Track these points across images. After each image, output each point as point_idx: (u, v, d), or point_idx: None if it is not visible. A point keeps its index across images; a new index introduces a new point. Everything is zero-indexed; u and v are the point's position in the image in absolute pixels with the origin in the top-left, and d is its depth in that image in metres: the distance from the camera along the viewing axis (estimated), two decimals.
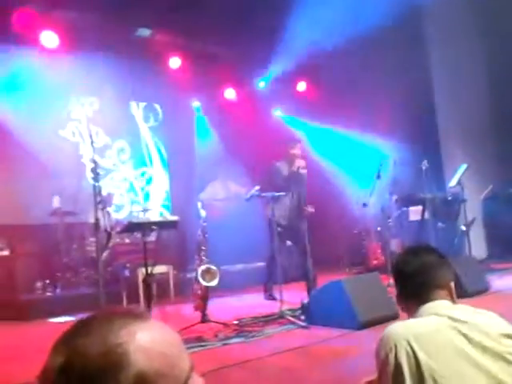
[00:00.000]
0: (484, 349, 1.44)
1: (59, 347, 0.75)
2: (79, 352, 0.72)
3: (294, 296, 5.31)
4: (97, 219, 4.18)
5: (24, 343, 4.82)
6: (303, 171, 5.97)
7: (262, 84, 9.75)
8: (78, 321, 0.79)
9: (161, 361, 0.74)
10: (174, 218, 4.63)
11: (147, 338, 0.75)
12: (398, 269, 1.76)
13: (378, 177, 7.63)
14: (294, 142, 6.21)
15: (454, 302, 1.66)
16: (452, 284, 1.69)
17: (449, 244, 7.46)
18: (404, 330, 1.49)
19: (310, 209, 5.95)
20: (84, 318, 0.79)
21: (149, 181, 9.10)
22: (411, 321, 1.60)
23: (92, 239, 6.46)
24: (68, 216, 7.03)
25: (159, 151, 9.23)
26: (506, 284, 6.12)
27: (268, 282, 6.21)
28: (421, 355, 1.41)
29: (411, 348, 1.42)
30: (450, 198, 7.72)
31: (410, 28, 8.26)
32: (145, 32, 7.78)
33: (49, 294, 6.57)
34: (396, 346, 1.44)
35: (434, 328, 1.49)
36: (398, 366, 1.41)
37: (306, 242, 5.72)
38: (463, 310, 1.58)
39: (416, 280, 1.66)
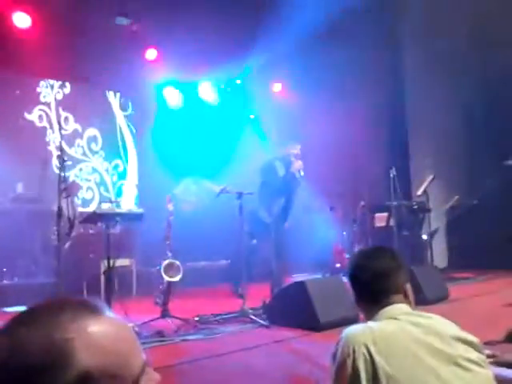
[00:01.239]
0: (437, 352, 1.45)
1: (2, 339, 0.69)
2: (20, 343, 0.67)
3: (257, 295, 5.31)
4: (59, 207, 4.08)
5: None
6: (300, 174, 5.92)
7: (238, 82, 9.73)
8: (27, 308, 0.74)
9: (111, 359, 0.70)
10: (140, 210, 4.55)
11: (98, 335, 0.70)
12: (354, 275, 1.74)
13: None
14: (293, 143, 6.17)
15: (410, 303, 1.66)
16: (408, 286, 1.69)
17: (412, 252, 7.60)
18: (363, 333, 1.48)
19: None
20: (35, 304, 0.74)
21: (122, 175, 8.76)
22: (370, 324, 1.58)
23: (55, 227, 6.31)
24: (31, 203, 6.85)
25: (135, 143, 8.97)
26: (465, 292, 6.27)
27: (236, 280, 6.19)
28: (378, 359, 1.41)
29: (369, 353, 1.42)
30: (415, 207, 7.87)
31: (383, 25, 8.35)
32: (123, 21, 7.64)
33: (6, 282, 6.39)
34: (354, 351, 1.43)
35: (392, 332, 1.49)
36: (355, 371, 1.41)
37: (283, 243, 5.74)
38: (419, 314, 1.59)
39: (372, 287, 1.65)
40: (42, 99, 7.98)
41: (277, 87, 10.08)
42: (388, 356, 1.41)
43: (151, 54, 8.31)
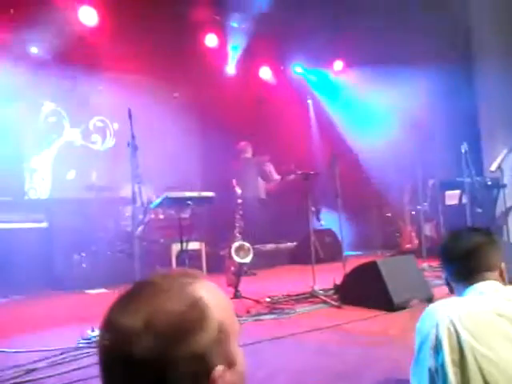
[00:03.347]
0: None
1: (131, 310, 0.75)
2: (161, 309, 0.75)
3: (326, 277, 5.28)
4: (133, 193, 4.21)
5: (61, 312, 4.97)
6: None
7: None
8: (138, 283, 0.82)
9: (229, 315, 0.82)
10: (210, 193, 4.62)
11: (214, 294, 0.81)
12: (447, 250, 1.71)
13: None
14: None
15: (504, 283, 1.61)
16: (503, 265, 1.65)
17: None
18: (448, 308, 1.46)
19: None
20: (145, 280, 0.82)
21: None
22: (456, 299, 1.56)
23: (128, 214, 6.55)
24: (104, 191, 7.14)
25: None
26: None
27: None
28: (463, 333, 1.38)
29: (453, 326, 1.39)
30: (489, 183, 7.50)
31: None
32: None
33: (84, 265, 6.72)
34: (438, 324, 1.41)
35: (478, 309, 1.45)
36: (438, 341, 1.39)
37: None
38: (508, 291, 1.53)
39: (466, 263, 1.62)
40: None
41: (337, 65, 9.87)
42: (474, 332, 1.38)
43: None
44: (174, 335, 0.73)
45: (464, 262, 1.62)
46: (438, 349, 1.39)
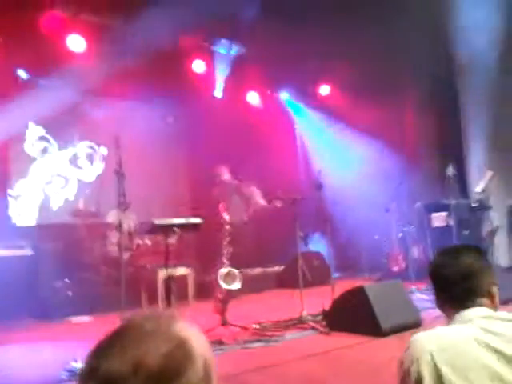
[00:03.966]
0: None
1: (115, 354, 0.74)
2: (148, 352, 0.74)
3: (314, 302, 5.25)
4: (119, 220, 4.19)
5: (43, 341, 4.86)
6: None
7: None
8: (120, 327, 0.80)
9: (210, 352, 0.82)
10: (197, 220, 4.61)
11: (195, 333, 0.82)
12: (436, 273, 1.62)
13: (401, 183, 7.57)
14: None
15: (495, 308, 1.54)
16: (495, 289, 1.57)
17: None
18: (429, 340, 1.42)
19: None
20: (127, 323, 0.81)
21: None
22: (439, 330, 1.49)
23: (114, 239, 6.49)
24: (90, 217, 7.08)
25: None
26: None
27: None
28: (444, 369, 1.34)
29: (434, 362, 1.35)
30: (474, 205, 7.57)
31: None
32: None
33: (70, 292, 6.61)
34: (419, 359, 1.37)
35: (462, 340, 1.40)
36: (419, 377, 1.36)
37: None
38: (500, 317, 1.47)
39: (457, 287, 1.54)
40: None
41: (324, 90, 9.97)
42: (455, 366, 1.34)
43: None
44: (163, 377, 0.72)
45: (457, 285, 1.54)
46: None
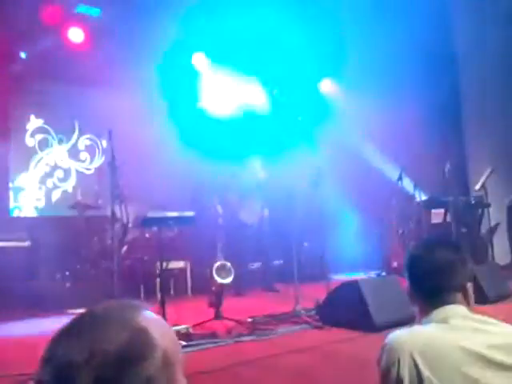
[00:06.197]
0: (502, 368, 1.33)
1: (72, 342, 0.74)
2: (104, 339, 0.73)
3: (309, 296, 5.26)
4: (113, 212, 4.20)
5: (40, 334, 4.89)
6: None
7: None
8: (77, 316, 0.80)
9: (173, 344, 0.80)
10: (190, 213, 4.61)
11: (157, 323, 0.80)
12: (410, 266, 1.59)
13: (400, 178, 7.53)
14: None
15: (469, 304, 1.52)
16: (469, 286, 1.53)
17: (471, 249, 7.30)
18: (409, 341, 1.38)
19: None
20: (84, 312, 0.80)
21: None
22: (418, 329, 1.46)
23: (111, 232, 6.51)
24: (89, 209, 7.10)
25: None
26: None
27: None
28: (424, 372, 1.31)
29: (415, 363, 1.32)
30: (473, 202, 7.55)
31: None
32: None
33: (68, 285, 6.65)
34: (399, 361, 1.34)
35: (442, 342, 1.36)
36: (399, 380, 1.33)
37: None
38: (480, 319, 1.44)
39: (429, 281, 1.51)
40: None
41: (325, 85, 9.95)
42: (435, 368, 1.31)
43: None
44: (119, 364, 0.72)
45: (430, 279, 1.51)
46: None
